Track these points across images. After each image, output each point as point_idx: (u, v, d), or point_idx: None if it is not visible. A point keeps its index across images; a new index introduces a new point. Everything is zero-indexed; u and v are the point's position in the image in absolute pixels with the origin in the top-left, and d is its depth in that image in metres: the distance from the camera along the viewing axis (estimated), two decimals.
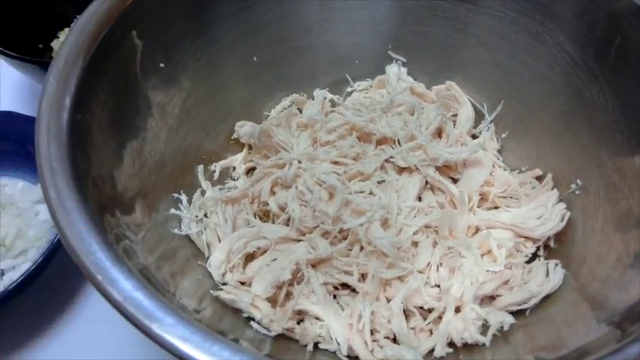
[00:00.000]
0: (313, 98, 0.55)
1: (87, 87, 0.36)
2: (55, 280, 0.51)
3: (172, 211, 0.43)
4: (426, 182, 0.47)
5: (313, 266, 0.42)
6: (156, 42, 0.43)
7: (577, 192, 0.43)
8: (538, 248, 0.44)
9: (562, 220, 0.43)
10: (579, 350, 0.30)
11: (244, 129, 0.51)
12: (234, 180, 0.51)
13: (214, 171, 0.50)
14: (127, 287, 0.27)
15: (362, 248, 0.42)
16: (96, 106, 0.37)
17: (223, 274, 0.42)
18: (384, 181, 0.46)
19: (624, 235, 0.37)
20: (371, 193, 0.45)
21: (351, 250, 0.42)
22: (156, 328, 0.26)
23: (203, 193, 0.47)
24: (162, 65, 0.44)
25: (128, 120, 0.40)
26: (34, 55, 0.64)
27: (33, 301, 0.49)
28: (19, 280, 0.44)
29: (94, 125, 0.36)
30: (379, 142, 0.49)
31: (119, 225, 0.34)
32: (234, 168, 0.52)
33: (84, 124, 0.35)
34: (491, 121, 0.52)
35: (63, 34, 0.66)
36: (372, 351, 0.37)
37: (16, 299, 0.46)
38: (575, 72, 0.44)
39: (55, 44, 0.66)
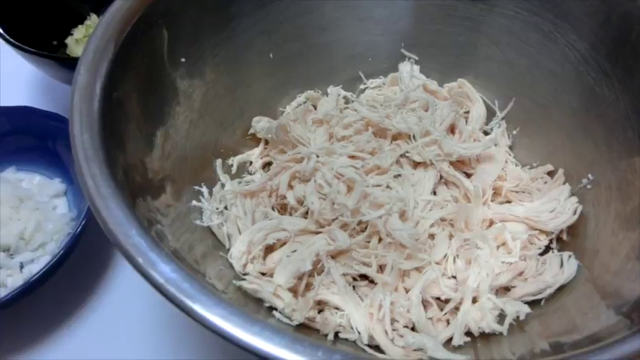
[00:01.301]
0: (327, 95, 0.56)
1: (116, 77, 0.38)
2: (75, 272, 0.52)
3: (194, 202, 0.44)
4: (441, 177, 0.48)
5: (333, 257, 0.43)
6: (178, 36, 0.44)
7: (588, 186, 0.44)
8: (551, 241, 0.45)
9: (574, 213, 0.44)
10: (592, 337, 0.31)
11: (261, 124, 0.52)
12: (250, 174, 0.52)
13: (232, 165, 0.51)
14: (166, 269, 0.28)
15: (380, 240, 0.43)
16: (125, 95, 0.38)
17: (244, 265, 0.43)
18: (400, 175, 0.47)
19: (635, 230, 0.38)
20: (388, 186, 0.46)
21: (369, 241, 0.43)
22: (198, 309, 0.27)
23: (222, 186, 0.48)
24: (183, 60, 0.45)
25: (156, 108, 0.41)
26: (49, 51, 0.65)
27: (53, 293, 0.50)
28: (41, 272, 0.45)
29: (124, 114, 0.38)
30: (394, 138, 0.50)
31: (150, 210, 0.35)
32: (251, 162, 0.53)
33: (114, 112, 0.37)
34: (502, 118, 0.53)
35: (77, 31, 0.67)
36: (392, 340, 0.38)
37: (36, 291, 0.46)
38: (587, 70, 0.45)
39: (69, 41, 0.67)
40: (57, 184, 0.55)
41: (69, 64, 0.56)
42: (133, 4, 0.40)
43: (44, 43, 0.65)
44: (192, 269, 0.33)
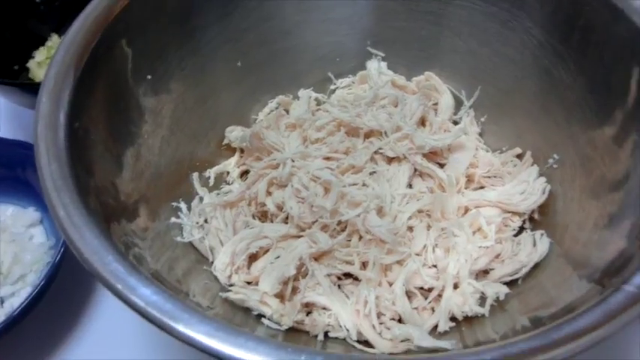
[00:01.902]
0: (298, 98, 0.57)
1: (80, 101, 0.38)
2: (58, 301, 0.51)
3: (173, 219, 0.45)
4: (415, 169, 0.49)
5: (316, 259, 0.44)
6: (142, 53, 0.44)
7: (555, 166, 0.46)
8: (524, 221, 0.47)
9: (543, 193, 0.45)
10: (567, 307, 0.32)
11: (234, 134, 0.53)
12: (229, 184, 0.53)
13: (209, 177, 0.51)
14: (147, 293, 0.29)
15: (360, 238, 0.44)
16: (91, 119, 0.38)
17: (229, 277, 0.43)
18: (375, 172, 0.48)
19: (599, 201, 0.40)
20: (364, 184, 0.47)
21: (350, 240, 0.44)
22: (182, 328, 0.27)
23: (201, 199, 0.48)
24: (149, 77, 0.45)
25: (125, 130, 0.41)
26: (10, 76, 0.64)
27: (37, 325, 0.50)
28: (23, 305, 0.44)
29: (92, 138, 0.38)
30: (367, 136, 0.51)
31: (126, 233, 0.36)
32: (228, 173, 0.53)
33: (81, 139, 0.37)
34: (470, 107, 0.54)
35: (39, 54, 0.66)
36: (380, 333, 0.39)
37: (19, 325, 0.45)
38: (544, 54, 0.46)
39: (31, 64, 0.66)
40: (31, 213, 0.55)
41: (32, 89, 0.55)
42: (91, 25, 0.40)
43: (5, 68, 0.64)
44: (175, 289, 0.33)
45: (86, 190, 0.35)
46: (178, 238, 0.44)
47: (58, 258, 0.46)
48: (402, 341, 0.37)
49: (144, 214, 0.41)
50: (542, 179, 0.46)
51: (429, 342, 0.36)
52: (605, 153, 0.40)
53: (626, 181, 0.37)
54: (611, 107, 0.40)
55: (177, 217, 0.45)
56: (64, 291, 0.51)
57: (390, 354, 0.36)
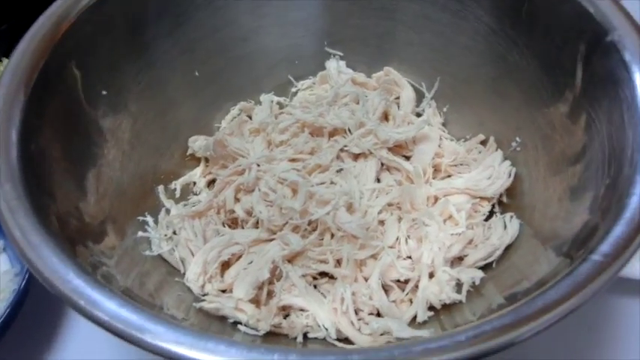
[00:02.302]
0: (260, 103, 0.57)
1: (32, 123, 0.36)
2: (27, 329, 0.49)
3: (140, 233, 0.43)
4: (382, 164, 0.49)
5: (289, 261, 0.43)
6: (94, 70, 0.43)
7: (518, 149, 0.47)
8: (493, 206, 0.47)
9: (509, 176, 0.46)
10: (539, 282, 0.32)
11: (198, 143, 0.52)
12: (196, 195, 0.52)
13: (175, 189, 0.50)
14: (111, 306, 0.28)
15: (332, 236, 0.43)
16: (45, 139, 0.37)
17: (202, 286, 0.43)
18: (342, 169, 0.48)
19: (561, 176, 0.40)
20: (332, 182, 0.46)
21: (322, 239, 0.44)
22: (149, 338, 0.26)
23: (168, 211, 0.48)
24: (104, 93, 0.44)
25: (82, 149, 0.40)
26: None
27: (6, 354, 0.48)
28: None
29: (47, 158, 0.36)
30: (331, 134, 0.50)
31: (93, 254, 0.35)
32: (195, 183, 0.52)
33: (36, 159, 0.35)
34: (431, 98, 0.55)
35: None
36: (359, 329, 0.39)
37: None
38: (497, 41, 0.47)
39: None
40: None
41: None
42: (39, 45, 0.39)
43: None
44: (148, 304, 0.32)
45: (46, 212, 0.34)
46: (147, 252, 0.43)
47: (23, 284, 0.44)
48: (381, 335, 0.37)
49: (111, 234, 0.40)
50: (507, 163, 0.47)
51: (408, 333, 0.36)
52: (563, 131, 0.41)
53: (583, 155, 0.37)
54: (563, 86, 0.41)
55: (145, 231, 0.44)
56: (33, 318, 0.49)
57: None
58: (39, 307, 0.50)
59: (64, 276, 0.29)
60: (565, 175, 0.39)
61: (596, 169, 0.35)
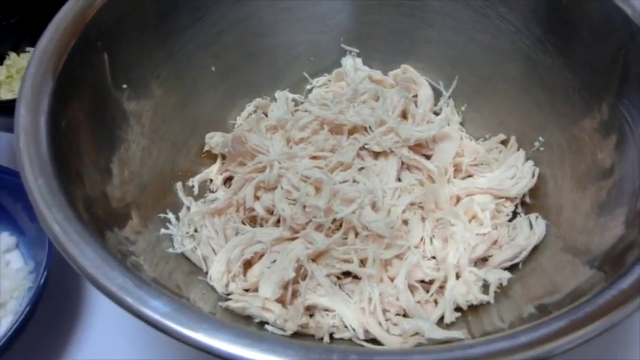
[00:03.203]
0: (276, 100, 0.56)
1: (60, 111, 0.36)
2: (44, 326, 0.48)
3: (163, 231, 0.43)
4: (402, 163, 0.49)
5: (313, 260, 0.42)
6: (116, 61, 0.42)
7: (541, 149, 0.46)
8: (516, 206, 0.47)
9: (533, 176, 0.46)
10: (572, 294, 0.33)
11: (215, 139, 0.51)
12: (213, 192, 0.51)
13: (193, 186, 0.49)
14: (158, 304, 0.27)
15: (357, 235, 0.43)
16: (72, 128, 0.36)
17: (226, 285, 0.42)
18: (363, 168, 0.47)
19: (593, 184, 0.40)
20: (354, 180, 0.46)
21: (346, 238, 0.43)
22: (202, 338, 0.26)
23: (188, 209, 0.47)
24: (124, 86, 0.43)
25: (107, 136, 0.40)
26: None
27: (25, 353, 0.47)
28: (8, 334, 0.41)
29: (75, 148, 0.36)
30: (351, 132, 0.50)
31: (120, 241, 0.34)
32: (211, 180, 0.51)
33: (65, 150, 0.35)
34: (449, 97, 0.54)
35: None
36: (387, 330, 0.39)
37: (7, 352, 0.43)
38: (520, 39, 0.47)
39: None
40: (6, 238, 0.52)
41: None
42: (64, 32, 0.38)
43: None
44: (177, 294, 0.32)
45: (76, 202, 0.33)
46: (170, 250, 0.42)
47: (42, 281, 0.43)
48: (411, 336, 0.37)
49: (136, 220, 0.40)
50: (530, 162, 0.47)
51: (440, 334, 0.35)
52: (592, 132, 0.41)
53: (617, 161, 0.37)
54: (592, 85, 0.41)
55: (167, 228, 0.43)
56: (50, 315, 0.49)
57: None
58: (53, 305, 0.49)
59: (109, 273, 0.28)
60: (596, 185, 0.38)
61: (632, 179, 0.35)
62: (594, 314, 0.28)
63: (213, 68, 0.51)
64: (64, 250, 0.29)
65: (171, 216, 0.44)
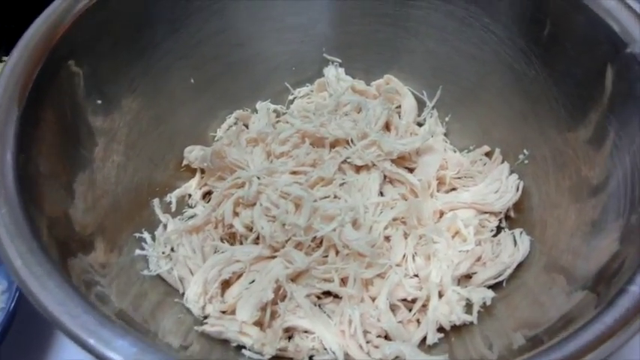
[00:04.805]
0: (257, 112, 0.55)
1: (27, 137, 0.34)
2: (16, 347, 0.47)
3: (137, 252, 0.41)
4: (385, 176, 0.48)
5: (293, 280, 0.41)
6: (89, 77, 0.41)
7: (526, 161, 0.46)
8: (500, 221, 0.46)
9: (517, 190, 0.45)
10: (564, 318, 0.31)
11: (194, 154, 0.50)
12: (191, 207, 0.50)
13: (170, 202, 0.48)
14: (124, 345, 0.26)
15: (337, 253, 0.42)
16: (40, 151, 0.35)
17: (203, 307, 0.41)
18: (345, 182, 0.46)
19: (578, 201, 0.39)
20: (335, 196, 0.45)
21: (327, 256, 0.42)
22: None
23: (165, 227, 0.45)
24: (99, 102, 0.42)
25: (78, 160, 0.38)
26: None
27: None
28: None
29: (43, 171, 0.35)
30: (332, 145, 0.49)
31: (85, 270, 0.33)
32: (190, 195, 0.50)
33: (31, 174, 0.33)
34: (433, 107, 0.53)
35: None
36: (368, 353, 0.38)
37: None
38: (504, 50, 0.46)
39: None
40: None
41: None
42: (33, 51, 0.37)
43: None
44: (143, 329, 0.31)
45: (40, 231, 0.32)
46: (145, 272, 0.41)
47: (12, 304, 0.42)
48: None
49: (102, 247, 0.38)
50: (515, 176, 0.46)
51: (422, 357, 0.34)
52: (576, 145, 0.40)
53: (605, 179, 0.36)
54: (576, 98, 0.40)
55: (142, 248, 0.42)
56: (21, 336, 0.47)
57: None
58: (27, 327, 0.47)
59: (72, 310, 0.27)
60: (580, 202, 0.37)
61: (617, 197, 0.34)
62: (590, 345, 0.26)
63: (192, 80, 0.50)
64: (25, 287, 0.27)
65: (146, 235, 0.43)
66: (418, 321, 0.41)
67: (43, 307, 0.27)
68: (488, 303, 0.39)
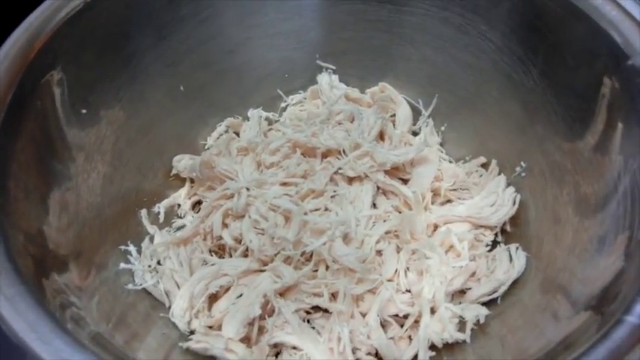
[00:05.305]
0: (248, 119, 0.54)
1: (7, 149, 0.33)
2: None
3: (122, 265, 0.40)
4: (378, 188, 0.47)
5: (281, 295, 0.40)
6: (73, 87, 0.39)
7: (523, 174, 0.44)
8: (496, 235, 0.45)
9: (514, 203, 0.44)
10: (564, 342, 0.30)
11: (182, 163, 0.49)
12: (180, 217, 0.49)
13: (159, 213, 0.47)
14: None
15: (327, 267, 0.41)
16: (21, 166, 0.34)
17: (189, 322, 0.40)
18: (336, 194, 0.45)
19: (578, 219, 0.37)
20: (326, 209, 0.44)
21: (316, 271, 0.41)
22: None
23: (152, 239, 0.44)
24: (83, 111, 0.40)
25: (58, 173, 0.37)
26: None
27: None
28: None
29: (23, 186, 0.33)
30: (324, 155, 0.48)
31: (60, 290, 0.31)
32: (179, 205, 0.49)
33: (11, 189, 0.32)
34: (428, 116, 0.52)
35: None
36: None
37: None
38: (501, 58, 0.45)
39: None
40: None
41: None
42: (13, 62, 0.35)
43: None
44: (119, 353, 0.29)
45: (16, 250, 0.30)
46: (130, 286, 0.40)
47: None
48: None
49: (82, 262, 0.37)
50: (512, 189, 0.45)
51: None
52: (574, 159, 0.39)
53: (606, 198, 0.34)
54: (575, 109, 0.39)
55: (127, 261, 0.41)
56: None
57: None
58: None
59: (42, 336, 0.26)
60: (577, 219, 0.36)
61: (616, 217, 0.33)
62: None
63: (181, 88, 0.49)
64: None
65: (132, 248, 0.42)
66: (410, 337, 0.40)
67: (14, 333, 0.26)
68: (482, 321, 0.38)
